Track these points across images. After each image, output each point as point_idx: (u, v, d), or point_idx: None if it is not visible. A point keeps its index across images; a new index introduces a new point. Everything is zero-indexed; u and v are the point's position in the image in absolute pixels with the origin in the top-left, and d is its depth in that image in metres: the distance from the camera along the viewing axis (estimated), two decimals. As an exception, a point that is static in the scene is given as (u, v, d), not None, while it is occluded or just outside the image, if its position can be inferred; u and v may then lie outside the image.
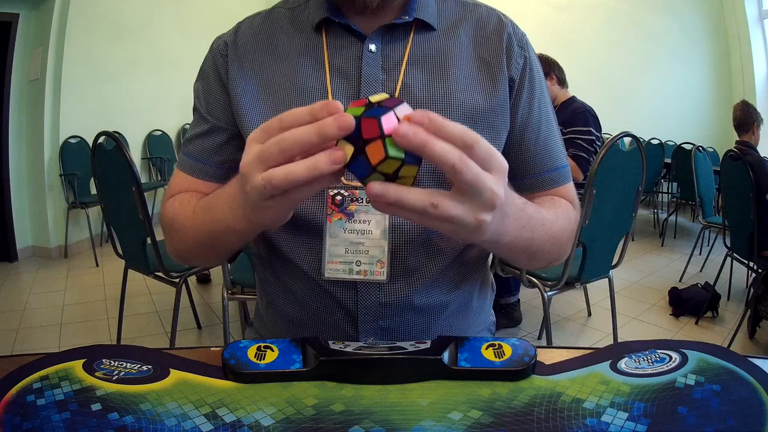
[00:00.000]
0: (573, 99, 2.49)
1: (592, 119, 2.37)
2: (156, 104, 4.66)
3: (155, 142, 4.71)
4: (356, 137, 0.37)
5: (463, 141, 0.38)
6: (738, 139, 2.71)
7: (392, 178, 0.38)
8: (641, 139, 1.86)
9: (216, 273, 3.04)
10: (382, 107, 0.38)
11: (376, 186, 0.38)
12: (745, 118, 2.70)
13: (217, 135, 0.67)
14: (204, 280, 3.12)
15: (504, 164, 0.41)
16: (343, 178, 0.61)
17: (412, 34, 0.65)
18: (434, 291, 0.66)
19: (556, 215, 0.62)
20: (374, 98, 0.39)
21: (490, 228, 0.42)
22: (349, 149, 0.38)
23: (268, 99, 0.65)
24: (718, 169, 2.71)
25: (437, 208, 0.39)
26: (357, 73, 0.63)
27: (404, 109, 0.38)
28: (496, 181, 0.40)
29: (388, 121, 0.37)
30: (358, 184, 0.61)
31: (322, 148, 0.38)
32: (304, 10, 0.68)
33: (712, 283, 2.64)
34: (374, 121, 0.37)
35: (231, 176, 0.69)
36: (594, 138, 2.34)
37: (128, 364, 0.48)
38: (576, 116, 2.37)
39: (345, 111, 0.38)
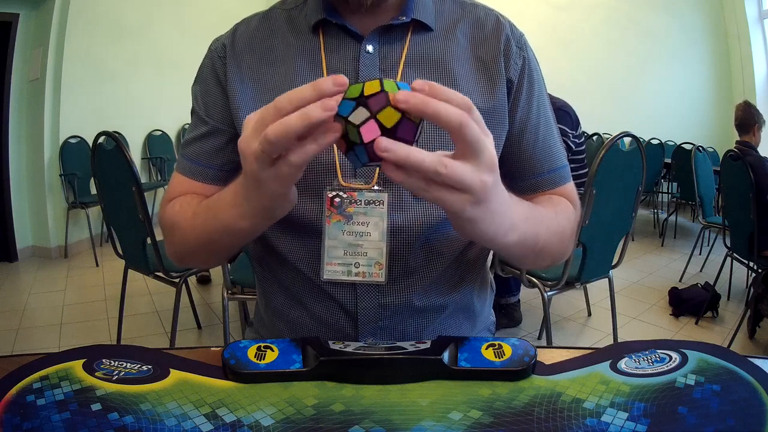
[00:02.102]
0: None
1: (563, 114, 2.38)
2: (156, 104, 4.66)
3: (155, 142, 4.71)
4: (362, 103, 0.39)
5: (466, 104, 0.39)
6: (738, 139, 2.72)
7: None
8: (641, 139, 1.86)
9: (216, 273, 3.04)
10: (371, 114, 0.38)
11: (384, 141, 0.38)
12: (746, 118, 2.70)
13: (216, 137, 0.67)
14: (204, 280, 3.12)
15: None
16: (341, 180, 0.61)
17: (409, 34, 0.65)
18: (433, 292, 0.66)
19: (555, 212, 0.62)
20: (386, 86, 0.39)
21: (491, 201, 0.43)
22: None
23: (265, 101, 0.64)
24: (718, 169, 2.71)
25: (447, 168, 0.39)
26: (354, 74, 0.63)
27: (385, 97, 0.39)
28: (491, 142, 0.42)
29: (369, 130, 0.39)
30: (357, 185, 0.61)
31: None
32: (302, 11, 0.67)
33: (712, 283, 2.64)
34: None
35: (231, 178, 0.69)
36: (565, 132, 2.35)
37: (128, 364, 0.48)
38: None
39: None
